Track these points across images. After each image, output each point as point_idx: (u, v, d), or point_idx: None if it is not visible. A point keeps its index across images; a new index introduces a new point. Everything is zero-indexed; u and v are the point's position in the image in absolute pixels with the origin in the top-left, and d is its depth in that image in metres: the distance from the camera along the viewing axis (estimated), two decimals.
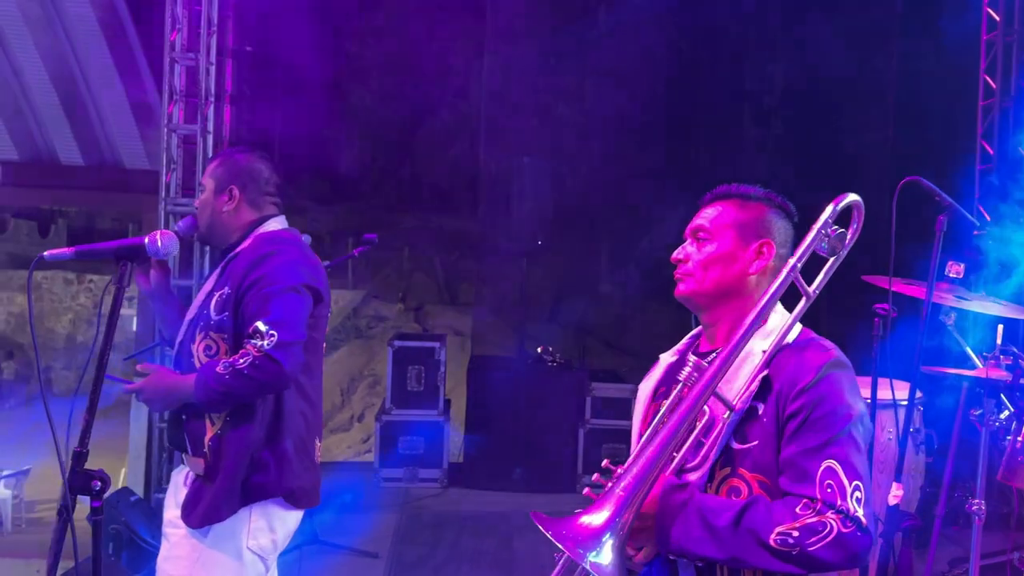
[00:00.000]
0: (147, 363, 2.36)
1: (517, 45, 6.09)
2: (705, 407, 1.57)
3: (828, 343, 1.66)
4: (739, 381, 1.60)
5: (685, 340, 1.91)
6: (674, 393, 1.62)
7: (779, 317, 1.67)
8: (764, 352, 1.59)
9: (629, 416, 1.93)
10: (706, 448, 1.58)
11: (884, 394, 3.02)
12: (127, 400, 5.91)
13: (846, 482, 1.50)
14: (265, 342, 2.18)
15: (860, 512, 1.49)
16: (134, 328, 6.02)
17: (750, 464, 1.58)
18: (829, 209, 1.56)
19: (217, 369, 2.20)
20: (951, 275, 2.70)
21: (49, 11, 6.38)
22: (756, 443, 1.58)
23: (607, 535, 1.41)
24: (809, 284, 1.60)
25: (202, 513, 2.25)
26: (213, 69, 5.74)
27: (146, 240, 1.97)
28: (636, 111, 6.16)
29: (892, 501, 2.33)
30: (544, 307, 6.55)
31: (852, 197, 1.59)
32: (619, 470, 1.56)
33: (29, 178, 7.50)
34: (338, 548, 4.44)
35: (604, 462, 1.69)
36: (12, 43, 6.56)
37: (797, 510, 1.49)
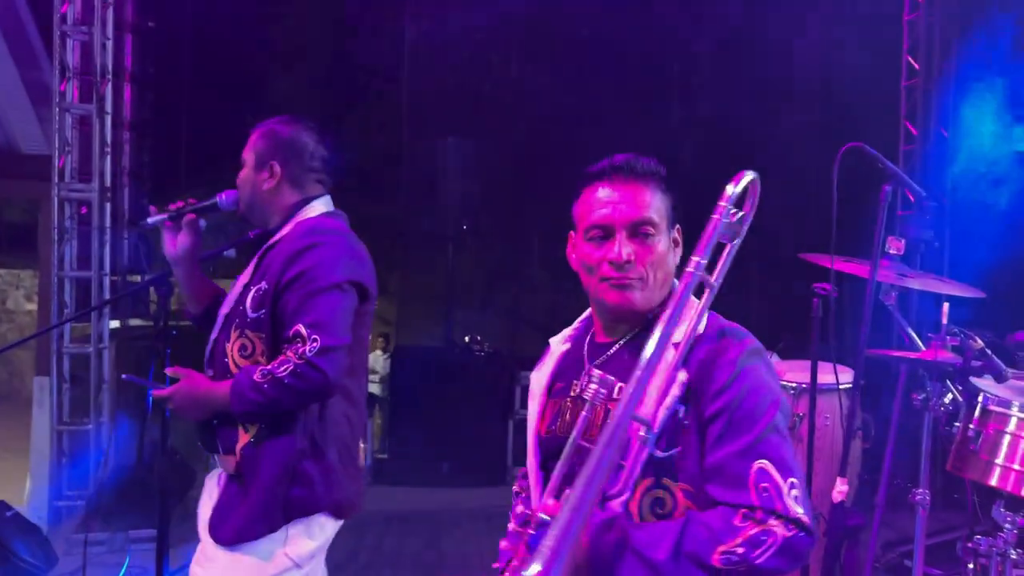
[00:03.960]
0: (177, 367, 2.15)
1: (438, 18, 5.82)
2: None
3: (738, 329, 1.54)
4: (652, 388, 1.43)
5: (577, 325, 1.73)
6: (581, 416, 1.47)
7: (687, 310, 1.48)
8: (675, 355, 1.45)
9: None
10: (627, 471, 1.44)
11: (825, 378, 2.89)
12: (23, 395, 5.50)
13: (781, 482, 1.41)
14: (307, 347, 1.99)
15: (800, 511, 1.40)
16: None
17: (674, 473, 1.47)
18: (729, 192, 1.41)
19: (255, 377, 2.01)
20: (891, 251, 2.56)
21: None
22: (678, 449, 1.47)
23: None
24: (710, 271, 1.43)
25: (234, 529, 2.05)
26: (111, 44, 5.33)
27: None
28: (561, 88, 5.95)
29: (837, 498, 2.18)
30: (473, 294, 6.32)
31: (749, 175, 1.44)
32: (539, 514, 1.39)
33: None
34: None
35: (518, 506, 1.54)
36: None
37: (736, 522, 1.39)
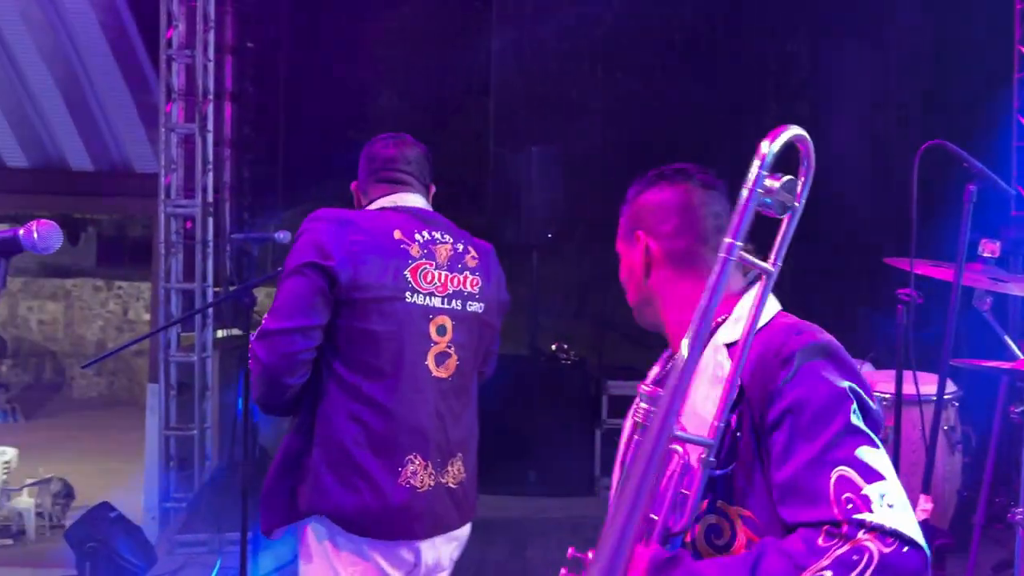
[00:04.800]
0: None
1: (525, 28, 5.84)
2: (678, 446, 1.25)
3: (801, 324, 1.33)
4: (700, 395, 1.29)
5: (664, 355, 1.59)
6: (633, 440, 1.29)
7: (748, 301, 1.34)
8: (732, 360, 1.25)
9: None
10: (691, 500, 1.24)
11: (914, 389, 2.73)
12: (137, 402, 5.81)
13: (867, 488, 1.17)
14: (255, 331, 2.05)
15: (897, 520, 1.16)
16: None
17: (729, 495, 1.27)
18: (761, 154, 1.19)
19: None
20: (985, 255, 2.40)
21: (50, 14, 6.28)
22: (734, 466, 1.27)
23: None
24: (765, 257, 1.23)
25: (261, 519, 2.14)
26: (211, 66, 5.59)
27: (21, 232, 1.75)
28: (651, 93, 5.87)
29: (920, 516, 2.04)
30: (560, 303, 6.29)
31: (791, 132, 1.22)
32: (589, 556, 1.26)
33: (41, 185, 7.44)
34: None
35: (569, 551, 1.34)
36: (14, 47, 6.48)
37: (819, 542, 1.16)
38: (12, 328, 11.72)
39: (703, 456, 1.23)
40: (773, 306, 1.37)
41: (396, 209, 2.20)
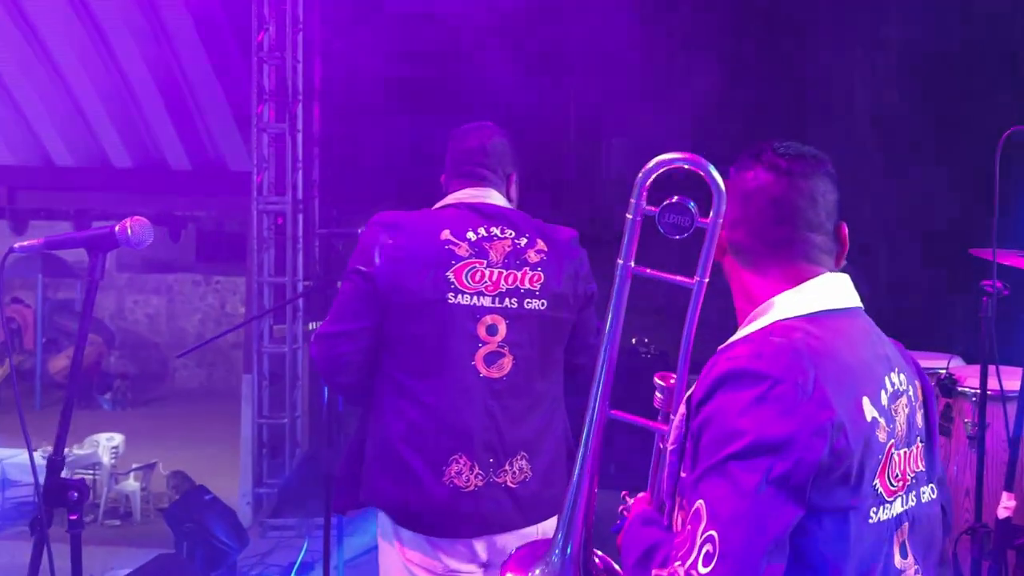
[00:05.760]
0: None
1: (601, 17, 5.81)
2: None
3: (746, 346, 1.30)
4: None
5: None
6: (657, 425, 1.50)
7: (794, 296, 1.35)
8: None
9: None
10: (663, 485, 1.40)
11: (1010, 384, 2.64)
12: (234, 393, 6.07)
13: (699, 532, 1.20)
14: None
15: (702, 571, 1.18)
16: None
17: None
18: (637, 181, 1.39)
19: None
20: None
21: (152, 21, 6.59)
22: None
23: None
24: None
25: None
26: (300, 67, 5.78)
27: (116, 228, 1.87)
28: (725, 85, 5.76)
29: (1003, 514, 1.98)
30: (640, 296, 6.23)
31: (659, 158, 1.39)
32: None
33: (144, 184, 7.82)
34: None
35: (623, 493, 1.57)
36: (119, 54, 6.83)
37: (670, 553, 1.27)
38: (119, 321, 12.32)
39: (667, 447, 1.38)
40: (765, 320, 1.35)
41: (458, 206, 2.23)
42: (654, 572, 1.29)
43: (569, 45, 6.01)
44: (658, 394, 1.43)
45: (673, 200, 1.37)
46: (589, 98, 5.87)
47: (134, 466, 5.35)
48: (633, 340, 5.61)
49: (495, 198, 2.26)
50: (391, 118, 6.57)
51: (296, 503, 4.64)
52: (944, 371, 2.96)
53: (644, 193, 1.40)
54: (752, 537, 1.17)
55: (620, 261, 1.42)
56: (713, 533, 1.18)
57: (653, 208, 1.40)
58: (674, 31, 5.93)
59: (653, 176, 1.39)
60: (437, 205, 2.28)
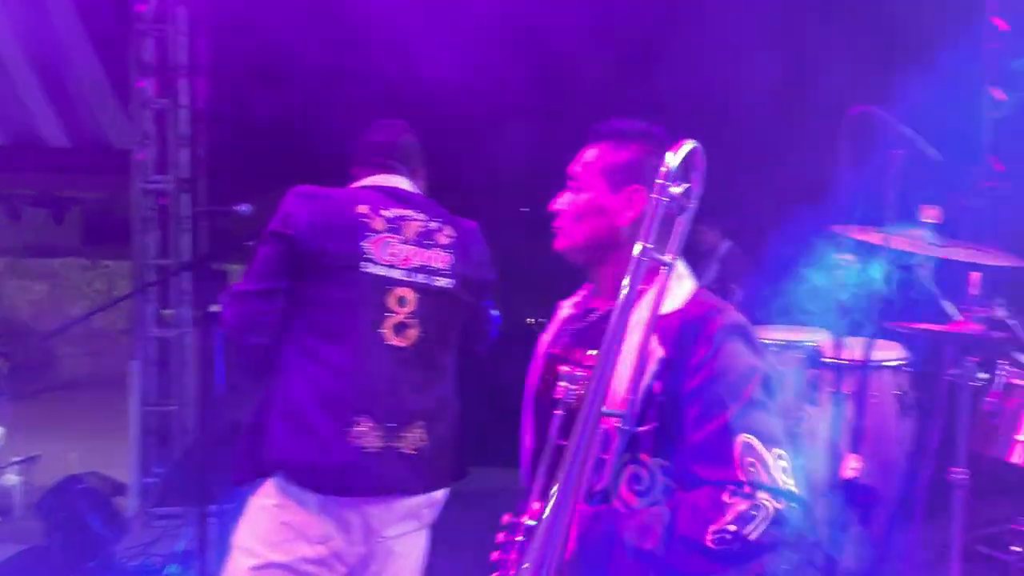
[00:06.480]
0: None
1: None
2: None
3: (718, 305, 1.54)
4: (623, 371, 1.42)
5: (583, 291, 1.74)
6: (556, 415, 1.51)
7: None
8: (640, 336, 1.42)
9: None
10: (609, 463, 1.42)
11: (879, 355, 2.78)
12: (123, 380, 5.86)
13: (766, 455, 1.39)
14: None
15: (791, 483, 1.39)
16: None
17: (650, 447, 1.47)
18: (669, 166, 1.40)
19: None
20: (927, 220, 2.44)
21: None
22: (655, 425, 1.46)
23: None
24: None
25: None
26: (185, 40, 5.57)
27: None
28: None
29: (848, 474, 2.10)
30: (530, 272, 6.27)
31: (688, 145, 1.42)
32: (525, 520, 1.44)
33: (17, 161, 7.40)
34: None
35: (505, 516, 1.53)
36: None
37: (724, 499, 1.38)
38: None
39: (619, 425, 1.39)
40: (689, 285, 1.56)
41: (373, 188, 2.34)
42: (712, 529, 1.36)
43: (465, 17, 5.94)
44: (563, 383, 1.48)
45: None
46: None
47: (14, 459, 5.12)
48: (529, 320, 5.65)
49: (407, 185, 2.39)
50: (281, 95, 6.40)
51: (183, 491, 4.52)
52: (811, 343, 3.10)
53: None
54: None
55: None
56: (780, 451, 1.41)
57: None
58: None
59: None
60: (356, 186, 2.38)
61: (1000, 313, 2.22)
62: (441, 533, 2.46)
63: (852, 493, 2.09)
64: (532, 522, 1.39)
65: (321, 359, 2.17)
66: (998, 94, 2.76)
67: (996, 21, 3.98)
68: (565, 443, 1.39)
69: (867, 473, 2.16)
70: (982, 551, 3.23)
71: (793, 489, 1.39)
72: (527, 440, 1.70)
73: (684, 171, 1.41)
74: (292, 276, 2.20)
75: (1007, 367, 2.31)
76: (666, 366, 1.45)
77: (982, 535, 3.26)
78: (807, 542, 2.47)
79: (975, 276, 2.30)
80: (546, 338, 1.72)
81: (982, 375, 2.40)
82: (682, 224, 1.43)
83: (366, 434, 2.17)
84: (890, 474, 2.82)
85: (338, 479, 2.15)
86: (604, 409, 1.35)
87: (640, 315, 1.42)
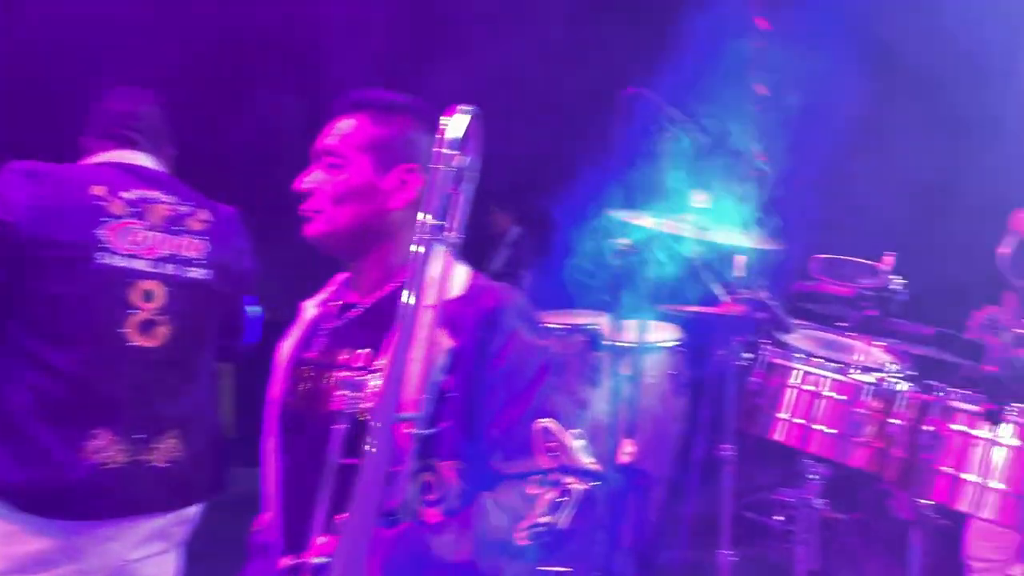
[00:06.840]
0: None
1: None
2: None
3: (501, 287, 1.45)
4: (412, 370, 1.29)
5: (331, 287, 1.58)
6: (335, 431, 1.30)
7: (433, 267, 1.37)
8: (428, 324, 1.30)
9: None
10: (403, 474, 1.26)
11: (654, 336, 2.85)
12: None
13: (565, 436, 1.36)
14: None
15: (591, 461, 1.37)
16: None
17: (443, 451, 1.34)
18: (449, 132, 1.27)
19: None
20: (696, 205, 2.51)
21: None
22: (446, 424, 1.33)
23: None
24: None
25: None
26: None
27: None
28: None
29: (624, 459, 2.14)
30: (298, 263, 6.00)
31: (468, 111, 1.30)
32: (311, 559, 1.26)
33: None
34: None
35: (284, 559, 1.35)
36: None
37: (532, 491, 1.32)
38: None
39: (413, 430, 1.24)
40: (464, 269, 1.43)
41: (110, 164, 2.06)
42: (523, 526, 1.28)
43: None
44: (341, 392, 1.33)
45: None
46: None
47: None
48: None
49: (150, 163, 2.13)
50: (81, 75, 5.73)
51: None
52: (593, 327, 3.14)
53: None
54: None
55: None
56: (576, 431, 1.37)
57: None
58: None
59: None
60: (90, 162, 2.08)
61: (763, 295, 2.32)
62: (202, 544, 2.22)
63: (628, 477, 2.11)
64: (321, 559, 1.23)
65: (45, 365, 1.90)
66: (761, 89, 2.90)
67: (759, 22, 4.25)
68: (350, 461, 1.24)
69: (642, 454, 2.22)
70: (749, 517, 3.45)
71: (595, 467, 1.37)
72: (274, 464, 1.49)
73: (464, 141, 1.28)
74: (6, 269, 1.90)
75: (769, 347, 2.43)
76: (457, 358, 1.34)
77: (750, 502, 3.49)
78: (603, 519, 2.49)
79: (740, 259, 2.40)
80: (289, 343, 1.54)
81: (747, 355, 2.52)
82: (462, 199, 1.29)
83: (104, 448, 1.93)
84: (665, 450, 2.92)
85: (69, 501, 1.89)
86: (399, 415, 1.23)
87: (423, 304, 1.29)
